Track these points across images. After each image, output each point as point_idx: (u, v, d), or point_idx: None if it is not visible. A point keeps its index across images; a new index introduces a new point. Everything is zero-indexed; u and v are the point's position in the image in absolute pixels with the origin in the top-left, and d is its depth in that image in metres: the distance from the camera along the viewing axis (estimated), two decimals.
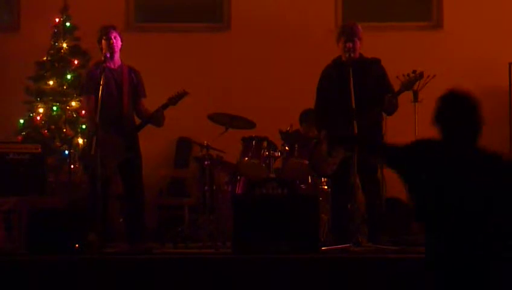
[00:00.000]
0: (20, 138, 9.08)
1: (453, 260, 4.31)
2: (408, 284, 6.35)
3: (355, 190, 7.06)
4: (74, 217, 7.07)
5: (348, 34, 7.25)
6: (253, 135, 8.11)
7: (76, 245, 6.86)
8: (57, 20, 9.42)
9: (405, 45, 9.86)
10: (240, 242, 6.85)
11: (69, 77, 9.28)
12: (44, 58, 9.37)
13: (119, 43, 7.39)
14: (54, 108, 9.20)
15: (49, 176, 8.46)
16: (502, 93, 9.66)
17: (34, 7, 9.91)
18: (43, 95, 9.27)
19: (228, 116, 8.06)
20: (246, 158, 8.04)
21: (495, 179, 4.18)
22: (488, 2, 10.01)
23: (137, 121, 7.52)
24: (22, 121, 9.23)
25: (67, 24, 9.41)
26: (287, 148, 8.07)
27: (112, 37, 7.34)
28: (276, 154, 8.08)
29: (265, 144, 8.06)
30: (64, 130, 9.14)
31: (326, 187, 8.00)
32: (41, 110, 9.22)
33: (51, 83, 9.28)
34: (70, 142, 8.99)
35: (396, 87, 7.13)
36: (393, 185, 8.30)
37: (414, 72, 7.04)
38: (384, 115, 7.32)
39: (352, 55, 7.18)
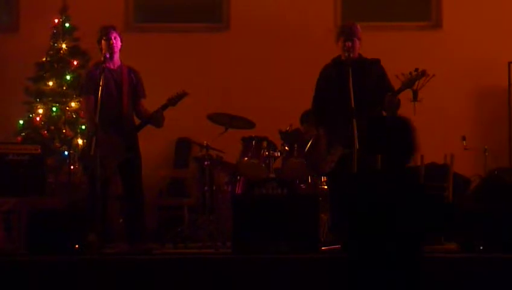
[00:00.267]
0: (19, 138, 9.08)
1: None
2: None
3: None
4: (74, 218, 7.08)
5: (347, 33, 7.25)
6: (253, 135, 8.11)
7: (76, 246, 6.86)
8: (56, 20, 9.42)
9: (404, 44, 9.86)
10: (240, 242, 6.85)
11: (68, 77, 9.28)
12: (44, 58, 9.37)
13: (119, 43, 7.39)
14: (54, 109, 9.20)
15: (48, 176, 8.46)
16: (501, 92, 9.68)
17: (34, 8, 9.92)
18: (42, 96, 9.27)
19: (228, 116, 8.06)
20: (246, 158, 8.04)
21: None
22: (487, 2, 10.02)
23: (137, 121, 7.52)
24: (21, 121, 9.24)
25: (67, 25, 9.42)
26: (286, 148, 8.07)
27: (112, 38, 7.33)
28: (276, 154, 8.08)
29: (265, 144, 8.06)
30: (64, 131, 9.15)
31: (326, 187, 7.99)
32: (40, 110, 9.22)
33: (51, 83, 9.28)
34: (69, 143, 8.99)
35: (396, 86, 7.13)
36: None
37: (416, 70, 7.03)
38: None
39: (351, 54, 7.18)
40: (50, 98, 9.26)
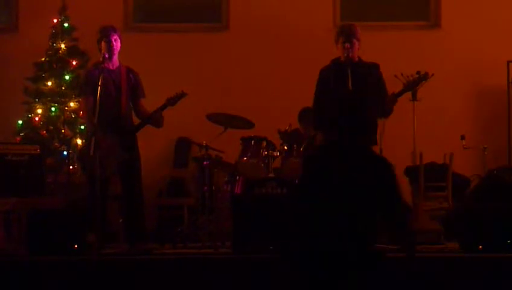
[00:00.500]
0: (18, 138, 9.08)
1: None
2: (408, 283, 6.37)
3: None
4: (73, 218, 7.08)
5: (346, 34, 7.24)
6: (252, 135, 8.12)
7: (76, 246, 6.86)
8: (55, 20, 9.41)
9: (403, 44, 9.87)
10: (240, 242, 6.85)
11: (67, 77, 9.28)
12: (43, 58, 9.37)
13: (119, 45, 7.40)
14: (53, 109, 9.20)
15: (48, 176, 8.46)
16: (500, 91, 9.67)
17: (32, 8, 9.91)
18: (41, 96, 9.27)
19: (227, 116, 8.06)
20: (245, 158, 8.04)
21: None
22: (486, 2, 10.02)
23: (137, 121, 7.52)
24: (20, 122, 9.23)
25: (66, 25, 9.41)
26: (285, 147, 8.07)
27: (113, 40, 7.34)
28: (275, 154, 8.08)
29: (264, 143, 8.07)
30: (63, 131, 9.14)
31: None
32: (39, 111, 9.22)
33: (50, 83, 9.28)
34: (69, 143, 8.99)
35: (395, 87, 7.12)
36: None
37: (418, 72, 7.03)
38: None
39: (350, 55, 7.17)
40: (49, 98, 9.25)
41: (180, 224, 8.54)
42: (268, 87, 9.79)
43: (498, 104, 9.71)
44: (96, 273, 6.49)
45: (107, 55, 7.31)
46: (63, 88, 9.28)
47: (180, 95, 7.42)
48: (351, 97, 6.86)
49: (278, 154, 8.10)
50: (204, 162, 8.04)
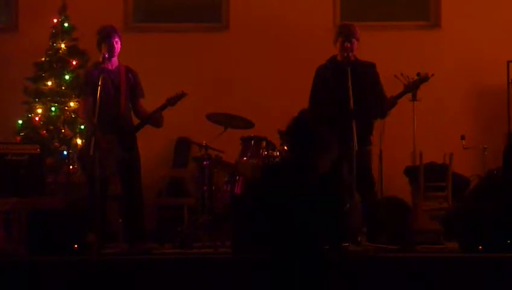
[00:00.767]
0: (18, 138, 9.07)
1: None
2: (407, 283, 6.37)
3: (352, 189, 7.04)
4: (73, 218, 7.07)
5: (345, 34, 7.26)
6: (252, 135, 8.11)
7: (76, 246, 6.86)
8: (55, 20, 9.41)
9: (403, 44, 9.87)
10: (240, 242, 6.85)
11: (67, 77, 9.28)
12: (43, 58, 9.36)
13: (119, 47, 7.41)
14: (53, 108, 9.20)
15: (48, 176, 8.45)
16: (500, 91, 9.67)
17: (32, 8, 9.91)
18: (41, 96, 9.26)
19: (227, 116, 8.06)
20: (245, 158, 8.04)
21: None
22: (485, 1, 10.02)
23: (137, 121, 7.52)
24: (20, 121, 9.23)
25: (66, 24, 9.41)
26: (285, 147, 8.06)
27: (114, 42, 7.35)
28: (275, 154, 8.08)
29: (264, 143, 8.06)
30: (63, 131, 9.14)
31: None
32: (39, 110, 9.22)
33: (49, 83, 9.27)
34: (68, 143, 8.99)
35: (395, 87, 7.13)
36: (393, 184, 8.32)
37: (418, 74, 7.03)
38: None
39: (350, 55, 7.18)
40: (49, 98, 9.25)
41: (180, 224, 8.53)
42: (268, 87, 9.79)
43: (498, 104, 9.70)
44: (96, 273, 6.50)
45: (106, 55, 7.32)
46: (63, 88, 9.27)
47: (180, 95, 7.42)
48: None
49: (278, 154, 8.09)
50: (204, 162, 8.04)
